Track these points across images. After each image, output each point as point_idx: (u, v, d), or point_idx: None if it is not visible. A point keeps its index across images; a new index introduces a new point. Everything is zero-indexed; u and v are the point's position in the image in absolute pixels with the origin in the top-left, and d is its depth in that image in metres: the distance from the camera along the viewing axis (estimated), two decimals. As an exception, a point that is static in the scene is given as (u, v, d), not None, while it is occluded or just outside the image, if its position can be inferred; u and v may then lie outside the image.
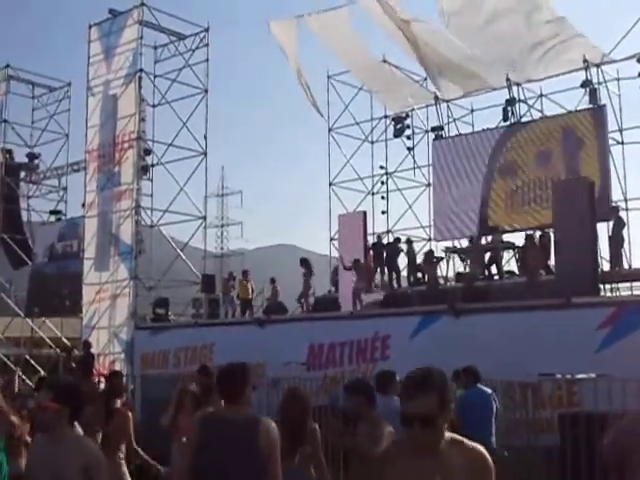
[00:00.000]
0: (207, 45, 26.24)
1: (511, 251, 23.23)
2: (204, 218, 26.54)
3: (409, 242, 23.68)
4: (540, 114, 25.55)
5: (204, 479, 4.97)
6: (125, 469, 8.45)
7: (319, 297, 23.10)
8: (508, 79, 24.70)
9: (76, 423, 5.08)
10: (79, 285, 25.81)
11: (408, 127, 29.05)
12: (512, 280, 20.72)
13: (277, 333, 18.75)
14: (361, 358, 16.87)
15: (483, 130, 26.62)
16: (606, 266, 20.12)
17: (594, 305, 15.13)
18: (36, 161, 31.46)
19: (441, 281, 23.45)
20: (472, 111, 28.51)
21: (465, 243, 24.98)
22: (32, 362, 28.20)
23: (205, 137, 26.26)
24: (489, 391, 10.03)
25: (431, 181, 27.74)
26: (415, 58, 26.11)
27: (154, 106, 27.57)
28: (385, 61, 28.17)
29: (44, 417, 4.90)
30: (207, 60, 26.31)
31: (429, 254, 21.11)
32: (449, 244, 25.97)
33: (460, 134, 27.28)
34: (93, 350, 22.33)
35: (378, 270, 23.05)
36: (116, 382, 9.55)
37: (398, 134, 29.10)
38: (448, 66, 25.43)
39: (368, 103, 29.95)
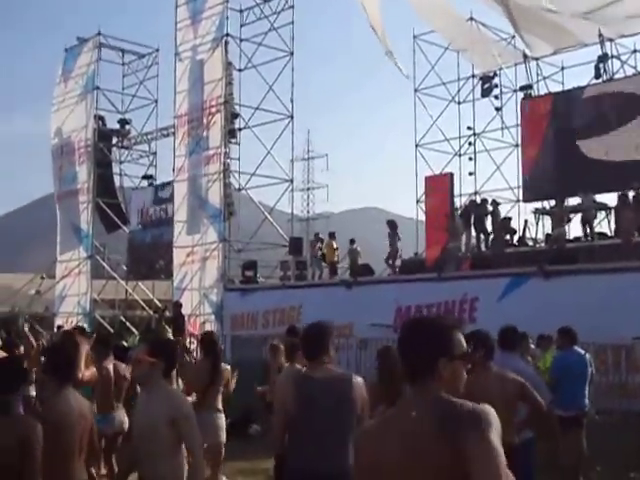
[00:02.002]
0: (292, 7, 26.18)
1: (603, 212, 22.71)
2: (291, 181, 26.70)
3: (495, 204, 23.31)
4: (634, 70, 24.74)
5: (302, 436, 5.06)
6: (219, 422, 8.68)
7: (406, 259, 23.05)
8: (600, 34, 23.94)
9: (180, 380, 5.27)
10: (170, 251, 26.35)
11: (496, 86, 28.55)
12: (603, 242, 20.27)
13: (364, 295, 18.86)
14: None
15: (574, 88, 25.92)
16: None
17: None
18: (127, 127, 32.08)
19: (530, 243, 23.16)
20: (562, 69, 27.83)
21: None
22: (127, 323, 29.09)
23: (291, 100, 26.36)
24: (585, 353, 9.87)
25: (520, 141, 27.23)
26: (503, 15, 25.58)
27: (240, 70, 27.76)
28: (472, 19, 27.67)
29: (139, 370, 5.11)
30: (292, 23, 26.26)
31: (505, 220, 20.88)
32: (538, 205, 25.51)
33: (550, 93, 26.64)
34: (184, 311, 22.85)
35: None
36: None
37: (486, 94, 28.63)
38: (538, 22, 24.80)
39: (455, 63, 29.56)
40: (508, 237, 22.20)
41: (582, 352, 9.87)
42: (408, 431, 2.77)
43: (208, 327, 22.98)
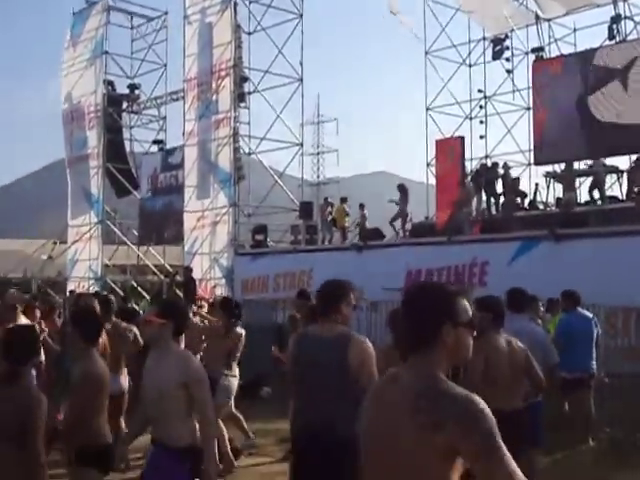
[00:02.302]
0: (301, -31, 25.92)
1: (614, 175, 22.58)
2: (301, 145, 26.62)
3: (506, 167, 23.21)
4: (648, 31, 24.46)
5: (298, 394, 5.18)
6: (229, 383, 8.95)
7: (416, 224, 23.04)
8: (613, -6, 23.65)
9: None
10: (181, 218, 26.40)
11: (507, 49, 28.30)
12: (614, 205, 20.19)
13: (375, 259, 18.88)
14: (459, 284, 16.85)
15: (586, 50, 25.64)
16: None
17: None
18: (137, 91, 31.97)
19: (541, 206, 23.08)
20: (575, 30, 27.53)
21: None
22: (138, 288, 29.26)
23: (301, 63, 26.19)
24: (590, 315, 9.91)
25: (531, 104, 27.03)
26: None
27: (250, 33, 27.60)
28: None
29: (149, 331, 5.18)
30: (301, -16, 26.03)
31: (515, 180, 20.77)
32: (549, 169, 25.38)
33: (562, 55, 26.36)
34: (195, 275, 22.94)
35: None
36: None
37: (497, 56, 28.40)
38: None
39: (466, 25, 29.31)
40: (519, 200, 22.13)
41: (587, 314, 9.91)
42: (391, 401, 2.75)
43: (219, 291, 23.13)
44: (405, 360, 2.86)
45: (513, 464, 2.53)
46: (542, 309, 11.22)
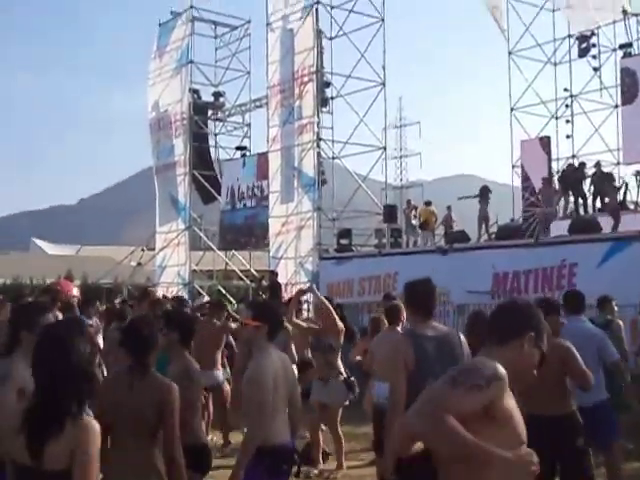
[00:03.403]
0: (382, -28, 25.93)
1: None
2: (384, 149, 26.59)
3: (597, 165, 22.68)
4: None
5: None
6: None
7: (502, 225, 22.76)
8: None
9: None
10: (265, 227, 26.71)
11: (594, 46, 27.70)
12: None
13: (460, 261, 18.71)
14: (547, 286, 16.58)
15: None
16: None
17: None
18: (221, 99, 32.46)
19: (631, 206, 22.52)
20: (664, 25, 26.74)
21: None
22: (225, 293, 29.66)
23: (383, 67, 26.16)
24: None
25: (619, 102, 26.41)
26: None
27: (331, 38, 27.70)
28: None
29: (246, 333, 5.29)
30: (383, -13, 26.02)
31: (609, 177, 20.20)
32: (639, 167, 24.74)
33: (651, 50, 25.69)
34: (280, 280, 23.14)
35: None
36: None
37: (583, 54, 27.84)
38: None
39: (550, 23, 28.82)
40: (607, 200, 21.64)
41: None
42: None
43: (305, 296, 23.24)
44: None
45: None
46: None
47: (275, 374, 5.07)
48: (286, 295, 22.84)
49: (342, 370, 9.29)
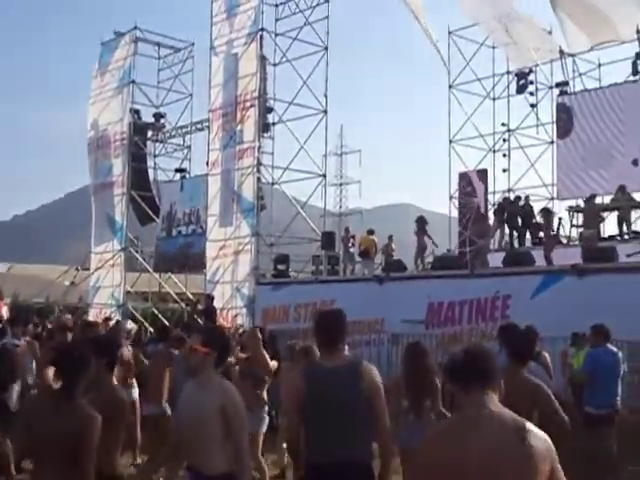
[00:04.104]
0: (327, 1, 26.18)
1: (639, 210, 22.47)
2: (324, 176, 26.71)
3: (526, 199, 23.12)
4: (672, 68, 24.45)
5: (313, 428, 5.00)
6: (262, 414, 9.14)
7: (438, 256, 22.99)
8: (638, 30, 23.67)
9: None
10: (201, 255, 26.57)
11: (531, 83, 28.32)
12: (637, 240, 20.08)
13: (396, 290, 18.83)
14: (481, 317, 16.78)
15: (610, 85, 25.67)
16: None
17: None
18: (162, 120, 32.25)
19: (564, 241, 22.96)
20: (599, 65, 27.54)
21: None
22: (159, 315, 29.33)
23: (325, 95, 26.35)
24: (616, 351, 9.82)
25: (555, 138, 27.03)
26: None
27: (275, 64, 27.81)
28: (510, 14, 27.41)
29: (194, 359, 5.17)
30: (327, 17, 26.26)
31: (545, 212, 20.55)
32: (572, 203, 25.30)
33: (586, 89, 26.39)
34: (216, 304, 23.00)
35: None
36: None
37: (521, 90, 28.43)
38: (579, 9, 24.73)
39: (490, 59, 29.45)
40: (542, 234, 22.04)
41: (615, 350, 9.83)
42: (490, 432, 3.01)
43: (240, 320, 23.14)
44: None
45: None
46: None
47: None
48: (221, 320, 22.75)
49: (266, 401, 9.39)
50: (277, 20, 27.48)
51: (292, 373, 7.80)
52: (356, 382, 4.90)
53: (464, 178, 23.73)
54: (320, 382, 4.97)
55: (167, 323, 26.80)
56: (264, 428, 9.29)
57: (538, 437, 2.98)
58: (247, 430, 5.07)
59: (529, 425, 3.03)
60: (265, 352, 9.11)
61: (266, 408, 9.38)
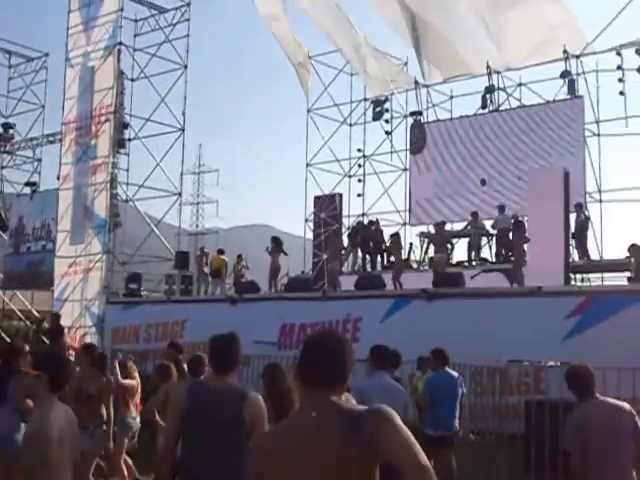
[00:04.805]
0: (188, 20, 26.06)
1: (487, 238, 23.39)
2: (179, 195, 26.46)
3: (376, 223, 23.56)
4: (518, 103, 25.69)
5: (187, 445, 4.93)
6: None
7: (292, 277, 23.12)
8: (488, 66, 24.77)
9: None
10: (50, 272, 25.70)
11: (387, 111, 29.02)
12: (487, 267, 20.88)
13: (249, 311, 18.77)
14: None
15: (461, 117, 26.72)
16: (577, 256, 20.39)
17: (564, 294, 15.31)
18: (11, 131, 31.11)
19: (415, 265, 23.59)
20: (451, 97, 28.57)
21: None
22: (1, 334, 28.07)
23: (183, 113, 26.20)
24: (456, 375, 10.12)
25: (408, 166, 27.82)
26: (399, 31, 26.34)
27: (133, 80, 27.36)
28: (368, 43, 28.10)
29: (25, 382, 4.92)
30: (188, 35, 26.17)
31: (394, 237, 21.02)
32: (423, 229, 26.05)
33: (438, 120, 27.34)
34: (64, 323, 22.20)
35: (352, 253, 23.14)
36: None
37: (377, 117, 29.08)
38: (434, 45, 25.66)
39: (348, 85, 29.98)
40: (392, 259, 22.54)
41: (454, 374, 10.11)
42: (308, 431, 2.92)
43: (88, 340, 22.44)
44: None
45: None
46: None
47: (60, 429, 4.71)
48: (69, 339, 21.97)
49: (105, 419, 9.09)
50: (136, 35, 27.12)
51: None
52: (240, 408, 4.87)
53: (320, 201, 24.00)
54: (203, 400, 4.91)
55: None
56: (101, 446, 9.02)
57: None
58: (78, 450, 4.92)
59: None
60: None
61: (104, 427, 9.07)
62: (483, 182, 24.73)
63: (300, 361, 3.25)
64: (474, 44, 24.99)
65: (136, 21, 27.15)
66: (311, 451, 2.89)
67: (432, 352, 10.17)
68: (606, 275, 21.08)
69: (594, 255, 21.27)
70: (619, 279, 19.24)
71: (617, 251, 20.54)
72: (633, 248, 17.03)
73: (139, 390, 10.19)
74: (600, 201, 23.54)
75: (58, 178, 26.16)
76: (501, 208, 21.69)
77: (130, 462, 10.00)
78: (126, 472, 9.68)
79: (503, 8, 23.69)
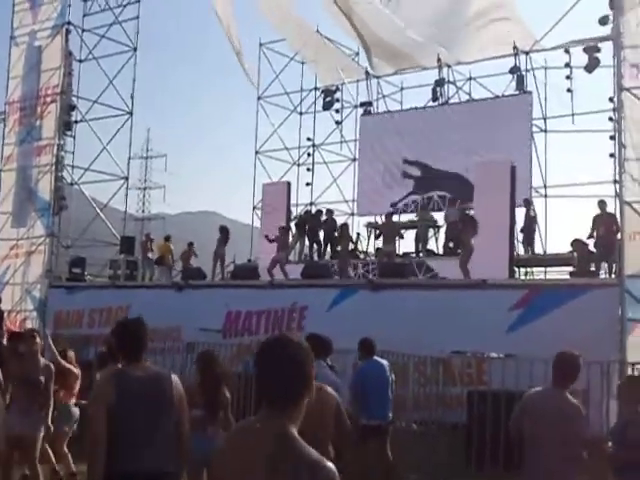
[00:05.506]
0: (139, 1, 25.66)
1: (433, 230, 23.61)
2: (126, 179, 26.11)
3: (329, 212, 23.66)
4: (468, 96, 25.91)
5: (123, 435, 4.84)
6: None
7: (239, 265, 23.03)
8: (439, 60, 24.91)
9: None
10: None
11: (337, 101, 29.03)
12: (433, 258, 21.06)
13: (194, 298, 18.67)
14: (277, 328, 16.91)
15: (411, 108, 26.86)
16: (522, 249, 20.69)
17: (508, 287, 15.50)
18: (-49, 109, 30.35)
19: (361, 256, 23.67)
20: (402, 89, 28.69)
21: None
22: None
23: (132, 96, 25.84)
24: (385, 362, 10.16)
25: (357, 156, 27.88)
26: (349, 32, 26.30)
27: (81, 61, 26.83)
28: (318, 32, 28.04)
29: None
30: (138, 17, 25.74)
31: (344, 227, 21.09)
32: (371, 219, 26.15)
33: (388, 111, 27.44)
34: (4, 307, 21.81)
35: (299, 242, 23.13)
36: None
37: (327, 107, 29.07)
38: (379, 44, 25.68)
39: (299, 74, 29.95)
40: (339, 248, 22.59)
41: (383, 362, 10.16)
42: (245, 452, 2.77)
43: (29, 324, 22.08)
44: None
45: None
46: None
47: None
48: (9, 323, 21.59)
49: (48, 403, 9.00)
50: (85, 15, 26.55)
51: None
52: (167, 392, 4.92)
53: (268, 189, 23.92)
54: (131, 390, 4.87)
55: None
56: (42, 431, 8.90)
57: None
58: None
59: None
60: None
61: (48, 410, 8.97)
62: (431, 174, 24.90)
63: (255, 373, 2.95)
64: (425, 48, 25.11)
65: (85, 1, 26.64)
66: (241, 468, 2.76)
67: (360, 342, 10.18)
68: (550, 269, 21.41)
69: (538, 249, 21.64)
70: (562, 273, 19.59)
71: (561, 245, 20.93)
72: (576, 243, 17.34)
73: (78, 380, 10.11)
74: (545, 196, 23.94)
75: (1, 159, 25.61)
76: (451, 201, 21.85)
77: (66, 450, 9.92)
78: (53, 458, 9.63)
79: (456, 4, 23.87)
